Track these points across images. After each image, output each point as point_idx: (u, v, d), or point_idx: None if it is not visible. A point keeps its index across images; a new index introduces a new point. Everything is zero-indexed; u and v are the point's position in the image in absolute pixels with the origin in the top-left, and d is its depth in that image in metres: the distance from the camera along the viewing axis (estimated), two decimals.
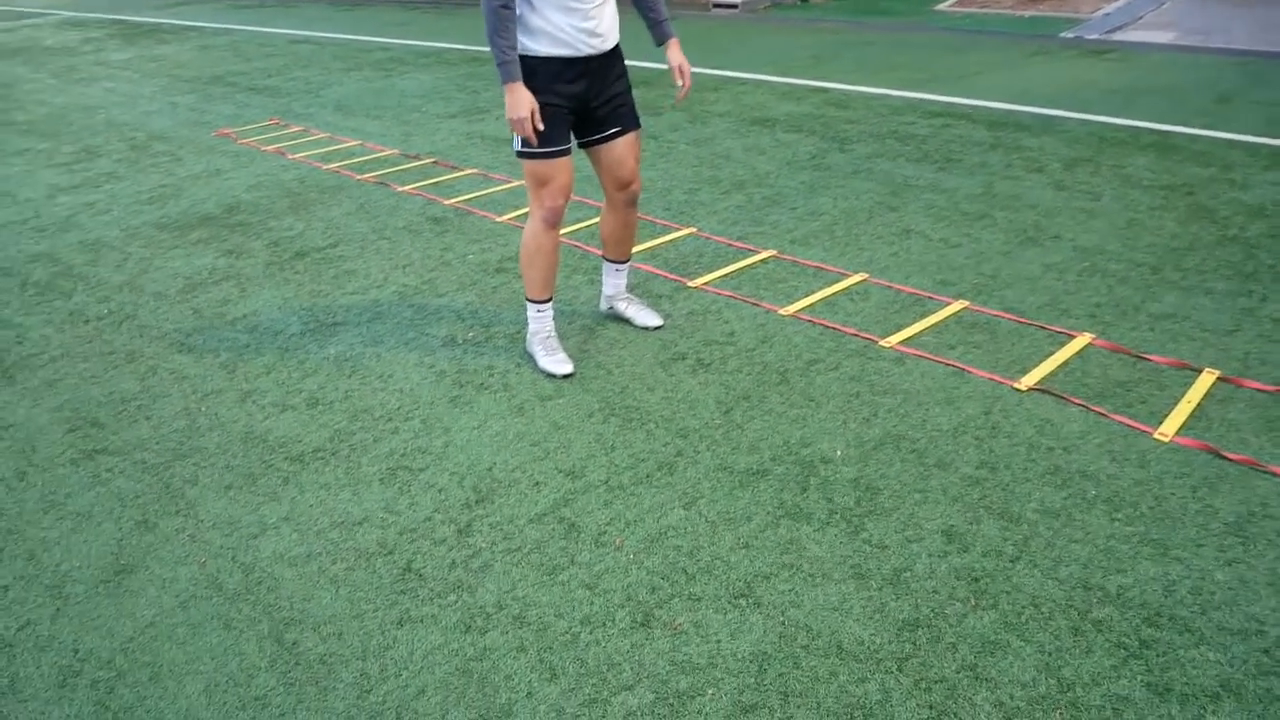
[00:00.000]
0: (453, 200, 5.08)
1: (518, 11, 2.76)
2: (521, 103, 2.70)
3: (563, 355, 3.10)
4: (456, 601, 2.13)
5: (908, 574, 2.13)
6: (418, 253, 4.35)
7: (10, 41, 15.86)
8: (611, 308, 3.46)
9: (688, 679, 1.87)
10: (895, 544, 2.23)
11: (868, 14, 12.16)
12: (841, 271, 3.81)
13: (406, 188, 5.36)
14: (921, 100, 6.84)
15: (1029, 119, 6.17)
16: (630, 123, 3.01)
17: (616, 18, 2.92)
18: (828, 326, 3.33)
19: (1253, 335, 3.16)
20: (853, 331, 3.28)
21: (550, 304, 3.10)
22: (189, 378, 3.33)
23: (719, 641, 1.96)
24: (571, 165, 2.93)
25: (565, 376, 3.05)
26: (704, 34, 11.19)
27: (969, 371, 2.98)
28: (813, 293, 3.62)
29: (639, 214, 3.34)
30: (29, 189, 6.12)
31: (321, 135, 6.92)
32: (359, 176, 5.67)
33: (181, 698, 1.92)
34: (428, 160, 5.96)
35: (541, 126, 2.76)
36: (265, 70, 10.48)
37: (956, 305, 3.46)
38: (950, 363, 3.04)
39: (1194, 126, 5.79)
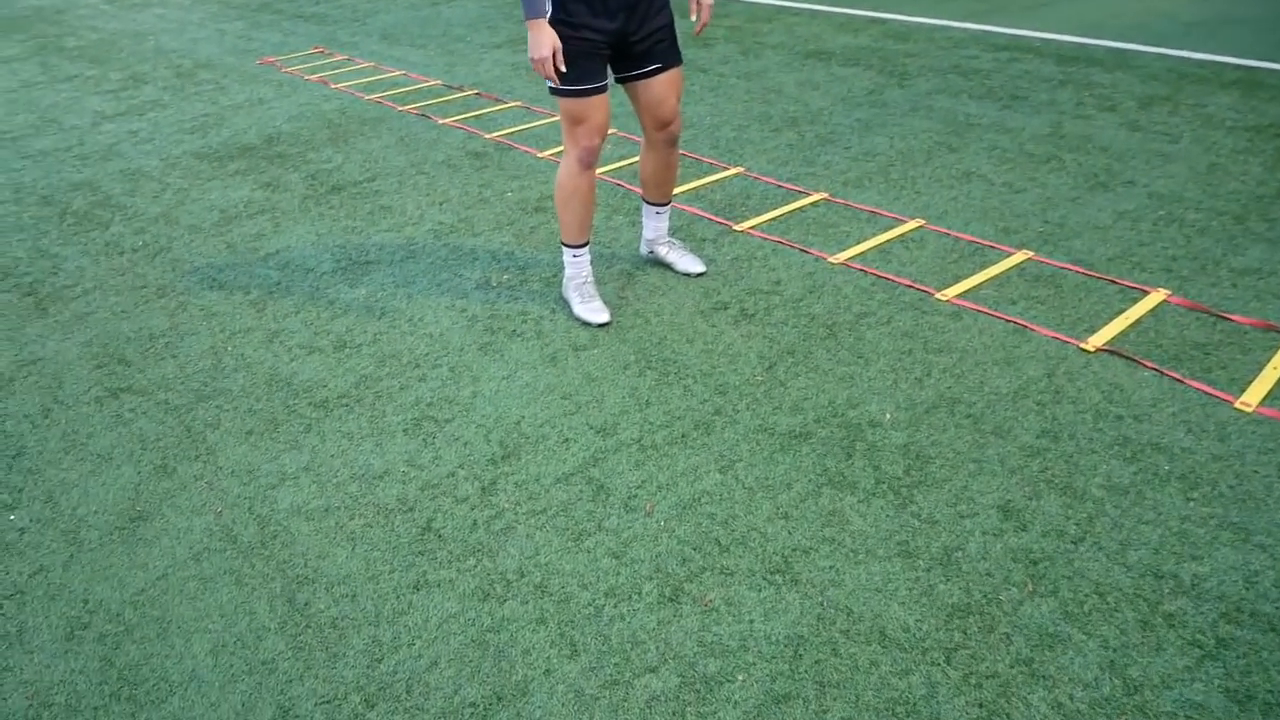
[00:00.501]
0: (494, 134, 4.90)
1: None
2: (544, 41, 2.51)
3: (599, 303, 2.95)
4: (476, 566, 2.02)
5: (959, 553, 1.97)
6: (455, 189, 4.20)
7: None
8: (652, 252, 3.30)
9: (717, 662, 1.75)
10: (946, 519, 2.07)
11: None
12: (897, 217, 3.59)
13: (447, 120, 5.20)
14: (986, 32, 6.47)
15: (1102, 53, 5.79)
16: (672, 58, 2.81)
17: None
18: (880, 276, 3.13)
19: None
20: (907, 283, 3.08)
21: (587, 248, 2.94)
22: (218, 315, 3.24)
23: (752, 622, 1.83)
24: (608, 103, 2.75)
25: (602, 325, 2.91)
26: None
27: (1031, 329, 2.78)
28: (865, 239, 3.41)
29: (681, 153, 3.15)
30: (75, 115, 6.06)
31: (365, 65, 6.76)
32: (400, 108, 5.52)
33: (188, 657, 1.84)
34: (470, 92, 5.77)
35: (563, 68, 2.56)
36: None
37: (1020, 255, 3.24)
38: (1011, 319, 2.84)
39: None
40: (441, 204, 4.04)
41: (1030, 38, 6.26)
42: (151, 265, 3.69)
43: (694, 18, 2.80)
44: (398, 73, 6.41)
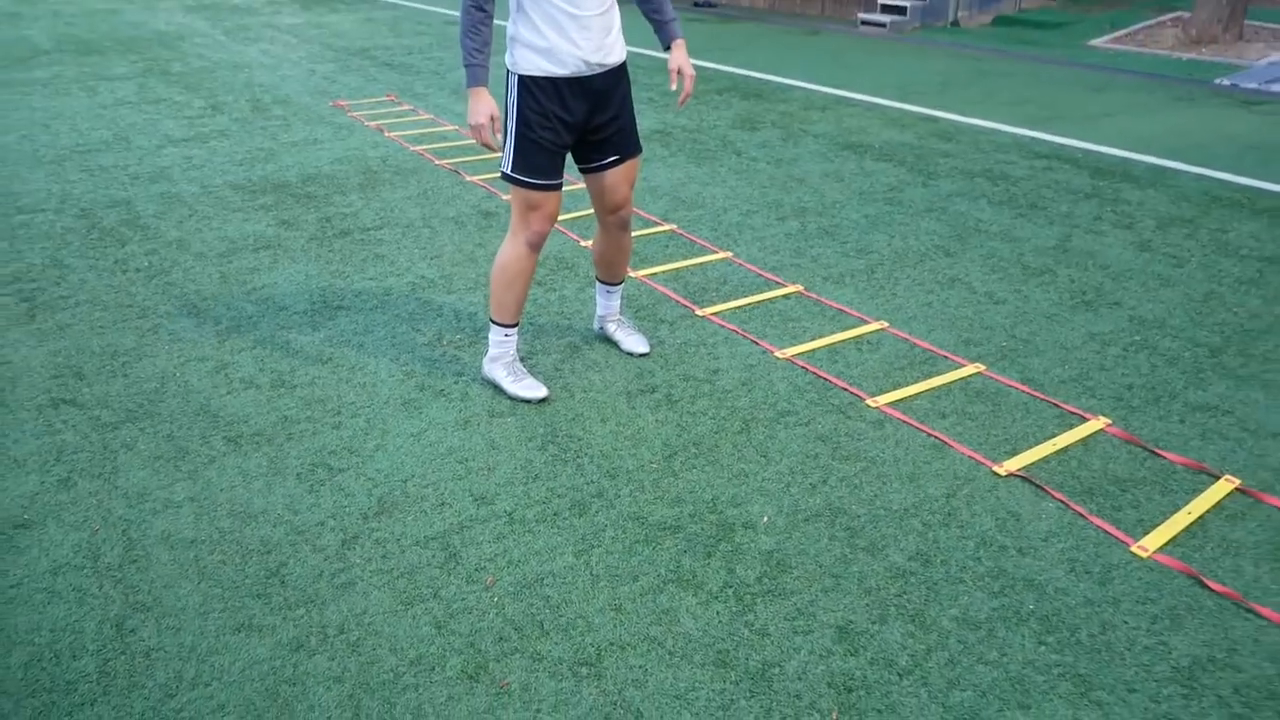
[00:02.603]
0: (509, 196, 5.02)
1: (515, 28, 2.65)
2: (481, 110, 2.60)
3: (532, 380, 2.97)
4: (303, 616, 2.04)
5: (776, 670, 1.91)
6: (451, 245, 4.32)
7: None
8: (603, 329, 3.32)
9: None
10: (779, 633, 2.01)
11: (1017, 44, 11.55)
12: (862, 317, 3.55)
13: (474, 178, 5.36)
14: (1033, 139, 6.39)
15: (1141, 169, 5.67)
16: (629, 150, 2.87)
17: (620, 33, 2.76)
18: (818, 375, 3.10)
19: None
20: (842, 384, 3.04)
21: (517, 329, 2.98)
22: (181, 341, 3.37)
23: (538, 712, 1.81)
24: (560, 196, 2.81)
25: (542, 401, 2.93)
26: (840, 50, 10.85)
27: (950, 446, 2.71)
28: (821, 337, 3.38)
29: (677, 232, 3.19)
30: (146, 137, 6.43)
31: (425, 116, 7.02)
32: (437, 161, 5.71)
33: (2, 668, 1.90)
34: None
35: (499, 136, 2.64)
36: (408, 47, 10.73)
37: (970, 369, 3.16)
38: (934, 433, 2.77)
39: None
40: (432, 259, 4.15)
41: (1075, 148, 6.17)
42: (146, 286, 3.87)
43: (674, 88, 2.85)
44: (450, 127, 6.64)
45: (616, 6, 2.70)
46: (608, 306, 3.27)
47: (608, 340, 3.31)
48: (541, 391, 2.92)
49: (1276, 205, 5.01)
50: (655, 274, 3.93)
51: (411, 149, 6.03)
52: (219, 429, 2.80)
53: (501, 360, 2.98)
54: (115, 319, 3.56)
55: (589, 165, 2.85)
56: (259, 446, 2.70)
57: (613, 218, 2.97)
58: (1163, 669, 1.94)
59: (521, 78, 2.65)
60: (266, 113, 7.23)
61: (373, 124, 6.74)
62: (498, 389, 2.98)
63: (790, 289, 3.80)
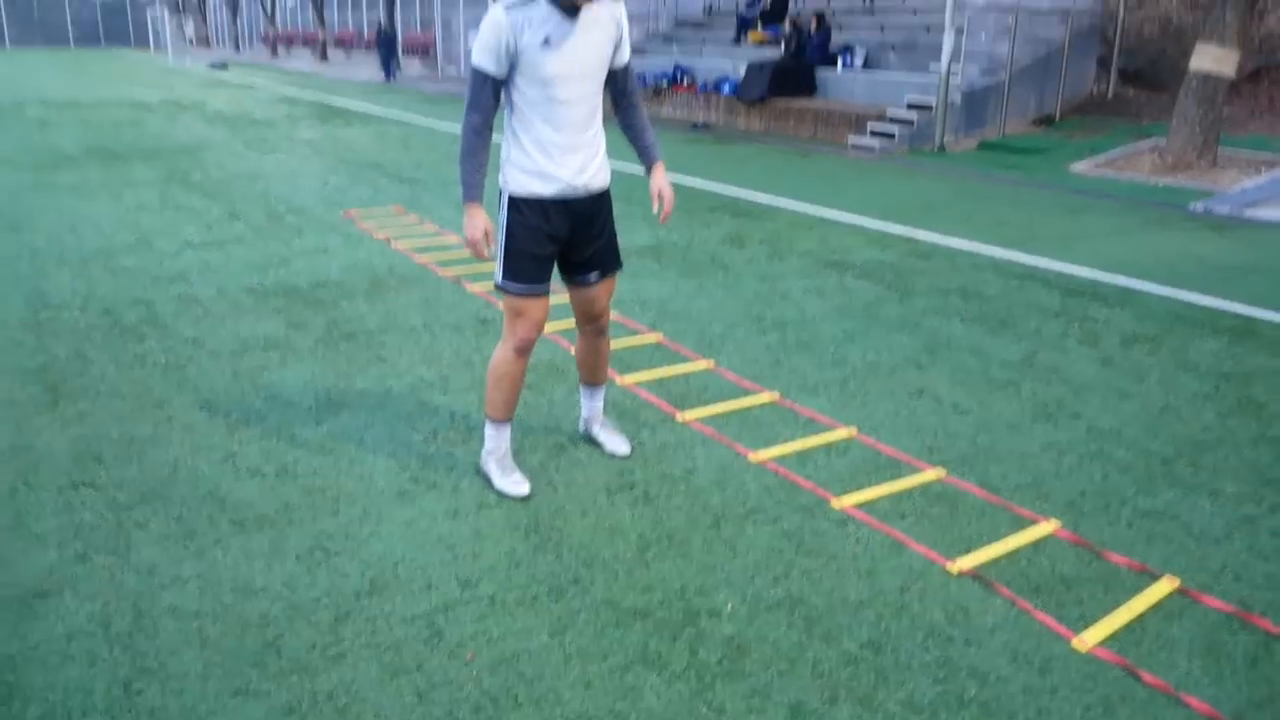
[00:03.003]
0: None
1: (508, 151, 2.95)
2: (476, 225, 2.88)
3: (518, 475, 3.18)
4: (296, 683, 2.21)
5: None
6: (450, 349, 4.57)
7: (225, 109, 17.69)
8: (588, 429, 3.55)
9: None
10: (735, 711, 2.18)
11: (1000, 168, 12.09)
12: (832, 424, 3.78)
13: (475, 287, 5.66)
14: (1008, 260, 6.74)
15: (1110, 289, 5.98)
16: (610, 267, 3.15)
17: (606, 159, 3.07)
18: (788, 477, 3.31)
19: (1241, 547, 2.95)
20: (810, 486, 3.25)
21: (509, 424, 3.20)
22: (194, 431, 3.60)
23: None
24: (547, 303, 3.07)
25: (525, 498, 3.13)
26: (829, 172, 11.37)
27: (907, 544, 2.90)
28: (792, 441, 3.60)
29: (664, 343, 3.43)
30: (166, 240, 6.79)
31: (431, 228, 7.39)
32: (441, 271, 6.02)
33: (18, 718, 2.06)
34: None
35: (493, 248, 2.92)
36: (417, 162, 11.28)
37: (932, 474, 3.37)
38: (893, 532, 2.96)
39: None
40: (431, 362, 4.41)
41: (1047, 268, 6.50)
42: (163, 380, 4.12)
43: (655, 209, 3.14)
44: (454, 239, 7.00)
45: (603, 134, 3.02)
46: (591, 408, 3.50)
47: (592, 441, 3.53)
48: (524, 488, 3.12)
49: (1237, 325, 5.29)
50: (640, 380, 4.18)
51: (416, 259, 6.36)
52: (225, 512, 3.00)
53: (494, 455, 3.20)
54: (133, 409, 3.79)
55: (572, 280, 3.13)
56: (262, 529, 2.89)
57: (591, 326, 3.24)
58: None
59: (512, 196, 2.94)
60: (281, 221, 7.61)
61: (381, 234, 7.10)
62: (488, 481, 3.19)
63: (767, 396, 4.04)
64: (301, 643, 2.37)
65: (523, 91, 2.84)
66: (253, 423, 3.69)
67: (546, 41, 2.77)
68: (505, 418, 3.16)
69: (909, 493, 3.24)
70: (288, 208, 8.19)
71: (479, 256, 2.91)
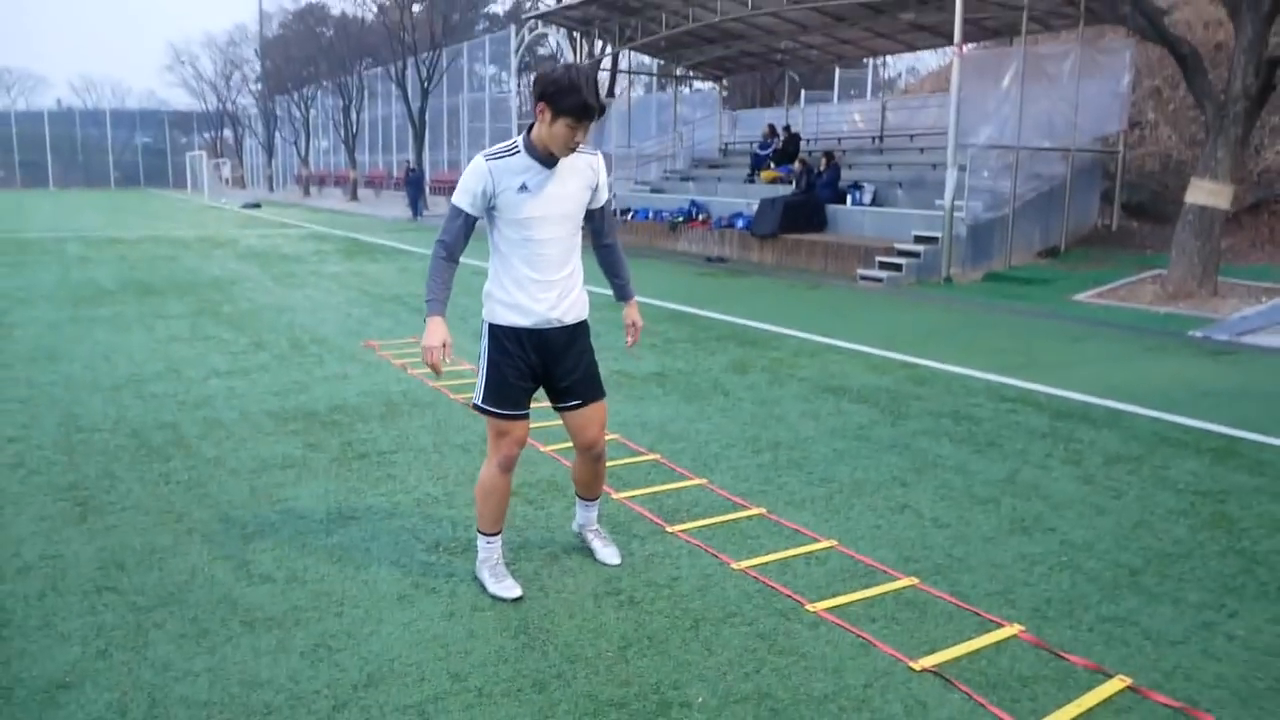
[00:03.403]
0: None
1: (490, 286, 3.28)
2: (434, 335, 3.15)
3: (510, 581, 3.38)
4: None
5: None
6: (456, 468, 4.84)
7: (257, 246, 18.54)
8: (581, 537, 3.77)
9: None
10: None
11: (1006, 298, 12.45)
12: (815, 536, 3.97)
13: None
14: (1003, 384, 6.98)
15: (1100, 412, 6.19)
16: (591, 395, 3.41)
17: (582, 296, 3.37)
18: (767, 584, 3.50)
19: (1196, 650, 3.09)
20: (787, 592, 3.43)
21: (499, 536, 3.43)
22: (212, 541, 3.84)
23: None
24: (527, 424, 3.35)
25: (515, 600, 3.33)
26: (836, 303, 11.77)
27: (875, 645, 3.07)
28: (775, 552, 3.80)
29: (660, 461, 3.71)
30: (194, 369, 7.17)
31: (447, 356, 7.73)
32: (453, 396, 6.34)
33: None
34: None
35: (449, 360, 3.20)
36: None
37: (906, 581, 3.55)
38: (862, 634, 3.13)
39: (1273, 435, 5.66)
40: (439, 479, 4.67)
41: (1041, 393, 6.74)
42: (184, 496, 4.39)
43: (628, 338, 3.47)
44: (468, 367, 7.34)
45: (580, 272, 3.35)
46: (585, 518, 3.74)
47: (585, 548, 3.74)
48: (516, 592, 3.33)
49: (1220, 445, 5.48)
50: (634, 495, 4.40)
51: (431, 384, 6.69)
52: (237, 614, 3.22)
53: (487, 564, 3.42)
54: (155, 522, 4.06)
55: (558, 405, 3.42)
56: (270, 629, 3.11)
57: (585, 453, 3.50)
58: None
59: (492, 326, 3.27)
60: (304, 350, 8.01)
61: (397, 362, 7.47)
62: (482, 588, 3.40)
63: (754, 511, 4.25)
64: None
65: (503, 233, 3.20)
66: (267, 534, 3.93)
67: (524, 188, 3.13)
68: (495, 530, 3.40)
69: (881, 598, 3.41)
70: (311, 338, 8.61)
71: (431, 366, 3.18)
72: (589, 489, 3.63)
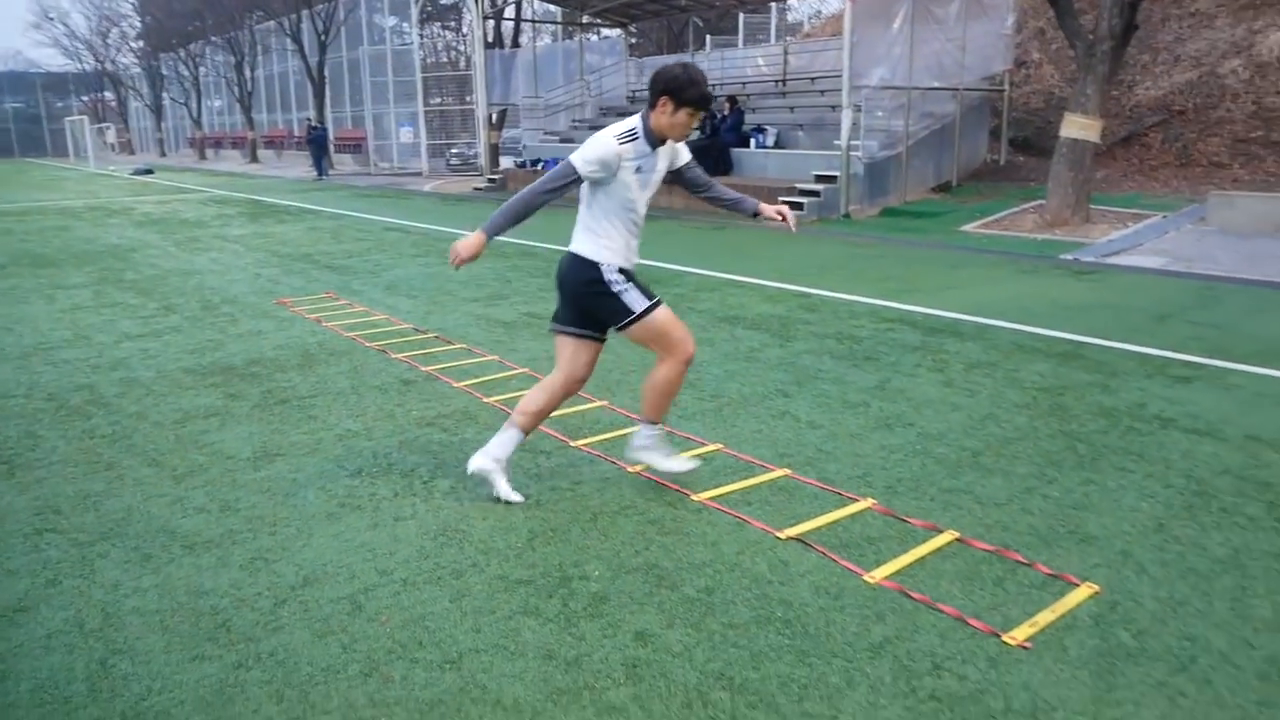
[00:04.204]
0: (430, 367, 5.94)
1: (601, 239, 3.58)
2: (473, 245, 3.41)
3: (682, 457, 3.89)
4: (244, 648, 2.76)
5: (586, 658, 2.67)
6: (375, 406, 5.16)
7: (155, 212, 18.18)
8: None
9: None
10: (592, 637, 2.78)
11: (899, 231, 13.08)
12: (703, 441, 4.43)
13: (400, 355, 6.26)
14: (885, 307, 7.54)
15: (968, 327, 6.78)
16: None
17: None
18: (658, 482, 3.94)
19: (1017, 509, 3.64)
20: (675, 487, 3.88)
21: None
22: (144, 484, 4.12)
23: (411, 690, 2.54)
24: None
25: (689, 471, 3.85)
26: (738, 242, 12.25)
27: (748, 522, 3.54)
28: (668, 455, 4.24)
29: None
30: (104, 334, 7.28)
31: (360, 309, 8.00)
32: (368, 344, 6.62)
33: (13, 693, 2.58)
34: (432, 335, 6.90)
35: (457, 263, 3.44)
36: (348, 252, 11.91)
37: (779, 472, 4.03)
38: (739, 515, 3.60)
39: (1114, 340, 6.31)
40: (357, 416, 4.99)
41: (918, 313, 7.31)
42: (111, 448, 4.63)
43: (792, 225, 3.89)
44: (382, 316, 7.62)
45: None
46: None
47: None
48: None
49: (1067, 350, 6.11)
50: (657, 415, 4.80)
51: (345, 335, 6.96)
52: (176, 540, 3.53)
53: (657, 449, 3.88)
54: (85, 472, 4.31)
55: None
56: (209, 550, 3.44)
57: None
58: (862, 645, 2.73)
59: (615, 266, 3.62)
60: (216, 311, 8.16)
61: (311, 316, 7.69)
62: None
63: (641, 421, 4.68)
64: (246, 622, 2.92)
65: (608, 200, 3.54)
66: (197, 474, 4.23)
67: (639, 169, 3.52)
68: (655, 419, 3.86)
69: (757, 487, 3.89)
70: (222, 299, 8.73)
71: (457, 258, 3.40)
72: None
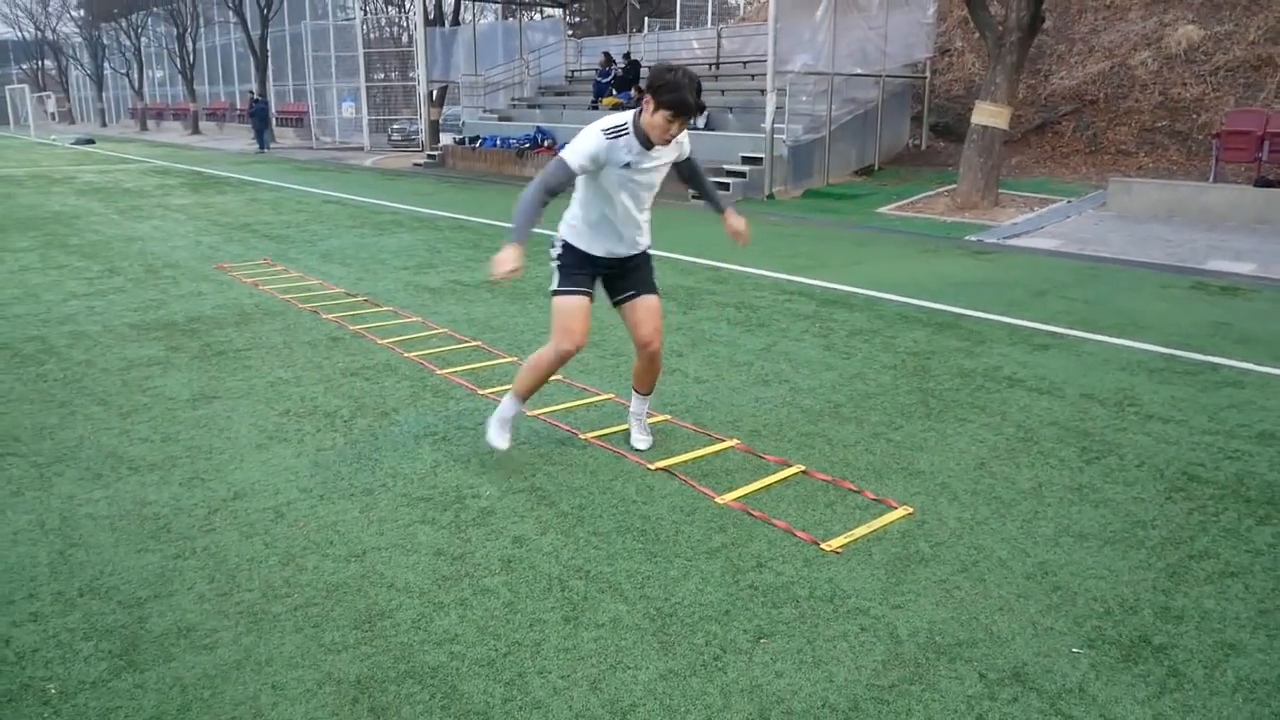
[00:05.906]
0: (357, 326, 6.44)
1: (570, 217, 3.79)
2: (510, 259, 3.42)
3: (507, 435, 3.99)
4: (183, 544, 3.29)
5: (469, 555, 3.24)
6: (303, 358, 5.66)
7: (98, 182, 18.24)
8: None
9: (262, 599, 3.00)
10: (477, 539, 3.35)
11: (820, 212, 13.75)
12: (596, 391, 5.02)
13: (330, 316, 6.75)
14: (789, 281, 8.18)
15: (860, 299, 7.45)
16: (645, 289, 3.92)
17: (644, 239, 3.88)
18: (553, 424, 4.52)
19: (861, 450, 4.27)
20: (566, 427, 4.47)
21: (524, 404, 4.04)
22: (94, 419, 4.60)
23: (319, 575, 3.10)
24: (585, 302, 3.83)
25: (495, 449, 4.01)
26: (662, 219, 12.71)
27: (625, 456, 4.14)
28: (563, 403, 4.82)
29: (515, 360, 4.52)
30: (52, 293, 7.65)
31: (295, 274, 8.44)
32: (301, 305, 7.09)
33: None
34: (361, 298, 7.39)
35: (514, 276, 3.49)
36: (287, 222, 12.26)
37: (660, 418, 4.63)
38: (619, 451, 4.19)
39: (991, 313, 7.01)
40: (288, 367, 5.49)
41: (817, 286, 7.96)
42: (63, 389, 5.09)
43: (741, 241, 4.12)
44: (316, 282, 8.07)
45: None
46: (637, 407, 4.28)
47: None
48: (503, 445, 4.00)
49: (945, 320, 6.79)
50: (456, 371, 5.35)
51: (280, 297, 7.41)
52: (124, 464, 4.03)
53: (505, 418, 3.97)
54: (40, 408, 4.77)
55: (616, 300, 4.05)
56: (153, 471, 3.94)
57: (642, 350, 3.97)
58: (702, 548, 3.34)
59: (565, 243, 3.87)
60: (158, 274, 8.54)
61: (249, 281, 8.12)
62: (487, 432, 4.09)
63: (553, 379, 5.26)
64: (184, 525, 3.44)
65: (592, 191, 3.67)
66: (141, 412, 4.71)
67: (626, 165, 3.54)
68: (525, 398, 3.98)
69: (639, 426, 4.48)
70: (164, 264, 9.10)
71: (495, 277, 3.46)
72: (643, 380, 4.09)
